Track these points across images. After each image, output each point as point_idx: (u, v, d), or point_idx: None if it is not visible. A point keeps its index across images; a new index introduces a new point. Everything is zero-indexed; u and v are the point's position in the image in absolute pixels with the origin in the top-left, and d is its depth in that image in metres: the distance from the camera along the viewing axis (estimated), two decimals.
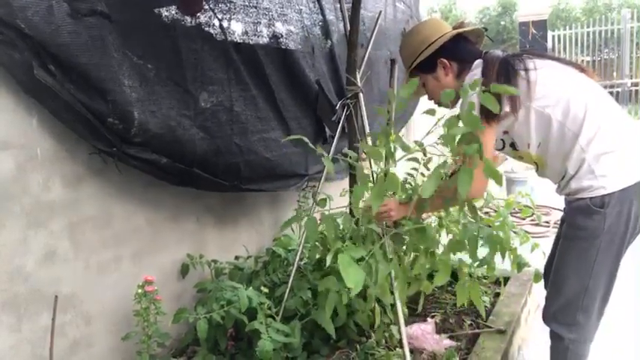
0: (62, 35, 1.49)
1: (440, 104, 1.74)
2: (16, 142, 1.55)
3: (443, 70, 1.69)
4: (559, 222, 1.76)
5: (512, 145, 1.67)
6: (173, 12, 1.80)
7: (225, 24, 1.97)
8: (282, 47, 2.19)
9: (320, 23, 2.51)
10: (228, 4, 1.97)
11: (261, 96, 2.13)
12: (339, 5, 2.64)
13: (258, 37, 2.08)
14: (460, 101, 1.52)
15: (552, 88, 1.54)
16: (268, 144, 2.19)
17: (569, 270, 1.60)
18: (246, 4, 2.04)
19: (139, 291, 1.71)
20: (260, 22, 2.09)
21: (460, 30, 1.70)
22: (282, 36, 2.18)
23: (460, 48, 1.69)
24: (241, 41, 2.01)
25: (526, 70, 1.54)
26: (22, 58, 1.45)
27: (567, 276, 1.61)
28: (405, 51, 1.76)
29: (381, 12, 2.80)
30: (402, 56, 1.78)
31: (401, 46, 1.79)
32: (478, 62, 1.60)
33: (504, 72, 1.53)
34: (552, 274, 1.70)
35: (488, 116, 1.48)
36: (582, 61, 11.29)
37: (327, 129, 2.50)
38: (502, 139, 1.68)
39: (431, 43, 1.66)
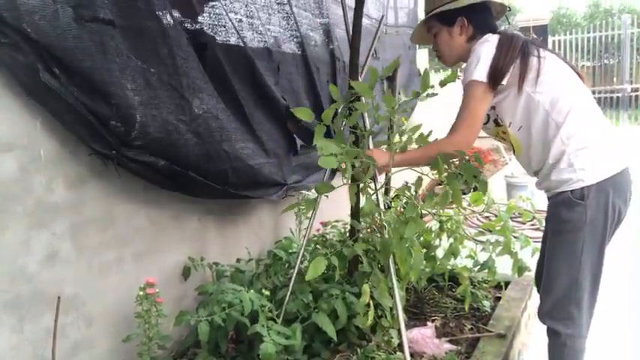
0: (67, 39, 1.51)
1: (441, 59, 1.85)
2: (20, 144, 1.56)
3: (459, 28, 1.75)
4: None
5: (496, 122, 1.75)
6: (169, 18, 1.82)
7: (198, 36, 1.99)
8: (250, 64, 2.23)
9: (295, 39, 2.58)
10: (196, 23, 1.99)
11: (232, 109, 2.18)
12: (319, 20, 2.71)
13: (225, 52, 2.11)
14: (463, 65, 1.70)
15: (549, 79, 1.63)
16: (249, 153, 2.24)
17: (559, 264, 1.66)
18: (215, 23, 2.08)
19: (141, 293, 1.71)
20: (229, 40, 2.13)
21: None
22: (249, 52, 2.22)
23: (483, 16, 1.76)
24: (210, 56, 2.04)
25: (537, 56, 1.63)
26: (26, 61, 1.46)
27: (558, 270, 1.67)
28: None
29: (383, 16, 2.82)
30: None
31: None
32: (489, 35, 1.68)
33: (523, 51, 1.62)
34: (544, 271, 1.75)
35: (492, 79, 1.60)
36: (582, 66, 11.33)
37: (297, 141, 2.59)
38: (488, 114, 1.75)
39: None
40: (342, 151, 1.67)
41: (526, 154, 1.72)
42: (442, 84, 1.75)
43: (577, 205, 1.58)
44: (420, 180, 1.86)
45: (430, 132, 1.81)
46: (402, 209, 2.12)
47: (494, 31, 1.72)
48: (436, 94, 1.71)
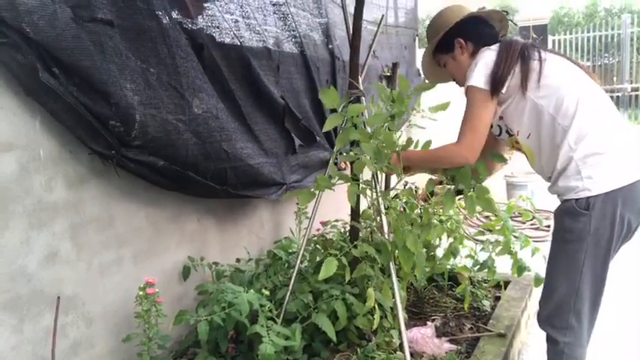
0: (66, 39, 1.50)
1: (459, 84, 1.83)
2: (19, 143, 1.56)
3: (460, 49, 1.76)
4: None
5: (508, 132, 1.73)
6: (167, 18, 1.82)
7: (197, 36, 1.99)
8: (248, 64, 2.23)
9: (294, 39, 2.59)
10: (195, 22, 2.00)
11: (231, 109, 2.19)
12: (318, 20, 2.71)
13: (224, 52, 2.12)
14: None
15: (552, 82, 1.59)
16: (248, 152, 2.24)
17: (559, 273, 1.62)
18: (214, 23, 2.08)
19: (140, 293, 1.71)
20: (228, 40, 2.13)
21: (477, 12, 1.77)
22: (245, 52, 2.22)
23: (477, 29, 1.76)
24: (208, 56, 2.04)
25: (538, 60, 1.61)
26: (25, 60, 1.46)
27: (558, 279, 1.63)
28: (429, 33, 1.85)
29: (383, 16, 2.82)
30: (427, 39, 1.88)
31: (427, 30, 1.88)
32: (493, 45, 1.68)
33: (522, 55, 1.60)
34: (545, 277, 1.72)
35: (492, 86, 1.59)
36: None
37: (295, 140, 2.59)
38: (499, 125, 1.74)
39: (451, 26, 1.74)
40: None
41: (538, 161, 1.67)
42: (433, 110, 1.76)
43: (581, 215, 1.51)
44: (432, 182, 1.88)
45: (429, 141, 1.81)
46: (402, 209, 2.12)
47: (496, 40, 1.71)
48: (423, 128, 1.72)
